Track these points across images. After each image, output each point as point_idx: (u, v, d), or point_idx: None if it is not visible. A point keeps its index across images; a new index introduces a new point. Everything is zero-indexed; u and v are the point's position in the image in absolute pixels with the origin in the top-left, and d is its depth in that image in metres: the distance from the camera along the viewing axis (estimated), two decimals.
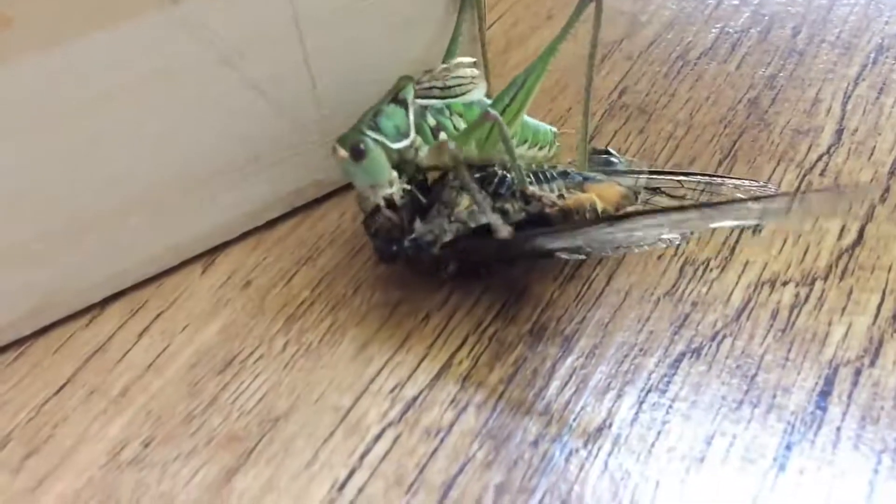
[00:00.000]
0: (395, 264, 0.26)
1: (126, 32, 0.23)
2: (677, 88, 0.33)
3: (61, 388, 0.24)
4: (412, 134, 0.25)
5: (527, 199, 0.24)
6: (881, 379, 0.23)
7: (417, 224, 0.25)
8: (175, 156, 0.26)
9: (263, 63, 0.26)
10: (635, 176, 0.27)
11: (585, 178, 0.26)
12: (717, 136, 0.31)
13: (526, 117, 0.27)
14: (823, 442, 0.22)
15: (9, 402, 0.24)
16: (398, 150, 0.25)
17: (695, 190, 0.28)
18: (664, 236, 0.24)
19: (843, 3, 0.36)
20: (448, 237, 0.24)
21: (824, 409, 0.23)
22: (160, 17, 0.24)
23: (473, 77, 0.27)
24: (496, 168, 0.25)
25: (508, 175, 0.25)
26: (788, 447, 0.22)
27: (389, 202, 0.25)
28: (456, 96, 0.26)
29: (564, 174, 0.26)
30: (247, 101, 0.26)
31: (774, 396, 0.23)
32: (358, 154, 0.24)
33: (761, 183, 0.28)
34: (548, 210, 0.24)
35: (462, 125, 0.26)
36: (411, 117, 0.25)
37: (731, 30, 0.36)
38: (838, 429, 0.23)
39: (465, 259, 0.25)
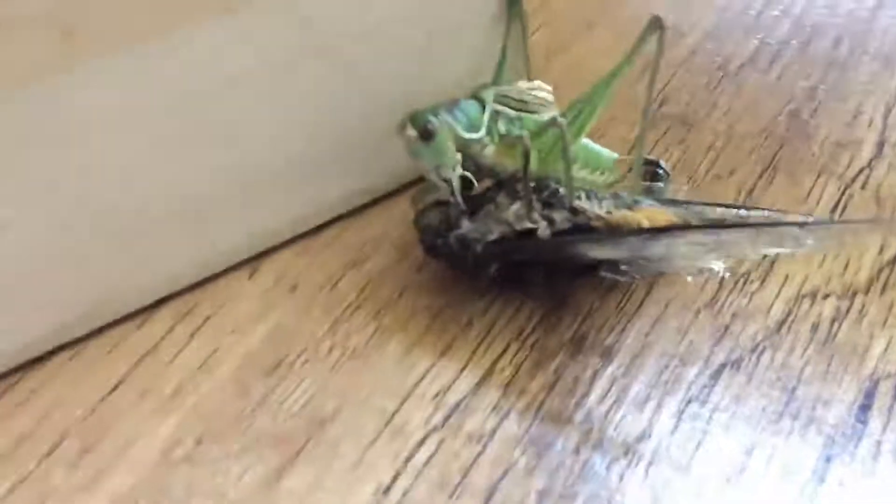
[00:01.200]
0: (439, 258, 0.26)
1: (183, 42, 0.24)
2: (717, 99, 0.33)
3: (115, 387, 0.25)
4: (483, 131, 0.26)
5: (575, 211, 0.25)
6: None
7: (465, 222, 0.25)
8: (229, 162, 0.26)
9: (327, 68, 0.27)
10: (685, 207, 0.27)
11: (636, 201, 0.26)
12: (757, 147, 0.31)
13: (590, 143, 0.28)
14: (863, 455, 0.23)
15: (65, 400, 0.25)
16: (465, 141, 0.26)
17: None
18: (705, 264, 0.24)
19: (885, 14, 0.37)
20: (493, 237, 0.25)
21: (864, 423, 0.23)
22: (216, 27, 0.24)
23: (548, 102, 0.28)
24: (550, 182, 0.26)
25: (560, 188, 0.26)
26: (828, 460, 0.22)
27: (441, 202, 0.26)
28: (529, 113, 0.27)
29: (616, 195, 0.26)
30: (298, 109, 0.27)
31: (814, 409, 0.23)
32: (426, 134, 0.25)
33: (817, 218, 0.28)
34: (594, 223, 0.25)
35: None
36: (486, 116, 0.26)
37: (771, 40, 0.36)
38: (878, 442, 0.23)
39: (507, 260, 0.26)
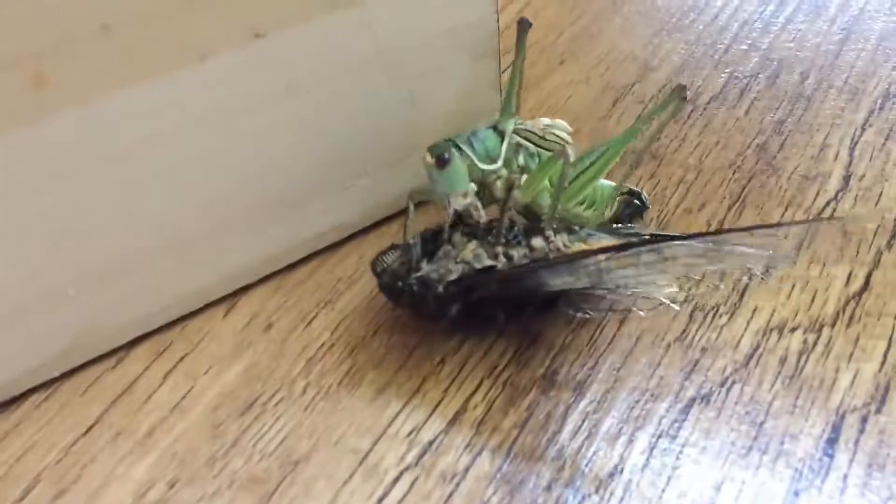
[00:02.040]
0: (400, 302, 0.26)
1: (155, 87, 0.24)
2: (687, 133, 0.34)
3: (89, 429, 0.25)
4: (500, 162, 0.27)
5: (531, 247, 0.26)
6: (887, 426, 0.24)
7: (424, 264, 0.26)
8: (203, 202, 0.27)
9: (307, 104, 0.27)
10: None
11: (589, 235, 0.27)
12: (726, 181, 0.32)
13: (602, 181, 0.29)
14: (831, 489, 0.23)
15: (38, 442, 0.25)
16: (482, 171, 0.27)
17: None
18: (667, 292, 0.24)
19: (851, 48, 0.37)
20: (453, 277, 0.25)
21: (832, 456, 0.23)
22: (188, 72, 0.25)
23: (566, 142, 0.28)
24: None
25: (517, 225, 0.26)
26: (796, 494, 0.23)
27: (396, 245, 0.26)
28: (547, 151, 0.28)
29: (571, 230, 0.27)
30: (271, 148, 0.27)
31: (783, 443, 0.24)
32: (441, 162, 0.26)
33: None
34: (551, 256, 0.25)
35: None
36: (504, 147, 0.27)
37: (740, 75, 0.36)
38: (845, 476, 0.23)
39: (469, 299, 0.26)
